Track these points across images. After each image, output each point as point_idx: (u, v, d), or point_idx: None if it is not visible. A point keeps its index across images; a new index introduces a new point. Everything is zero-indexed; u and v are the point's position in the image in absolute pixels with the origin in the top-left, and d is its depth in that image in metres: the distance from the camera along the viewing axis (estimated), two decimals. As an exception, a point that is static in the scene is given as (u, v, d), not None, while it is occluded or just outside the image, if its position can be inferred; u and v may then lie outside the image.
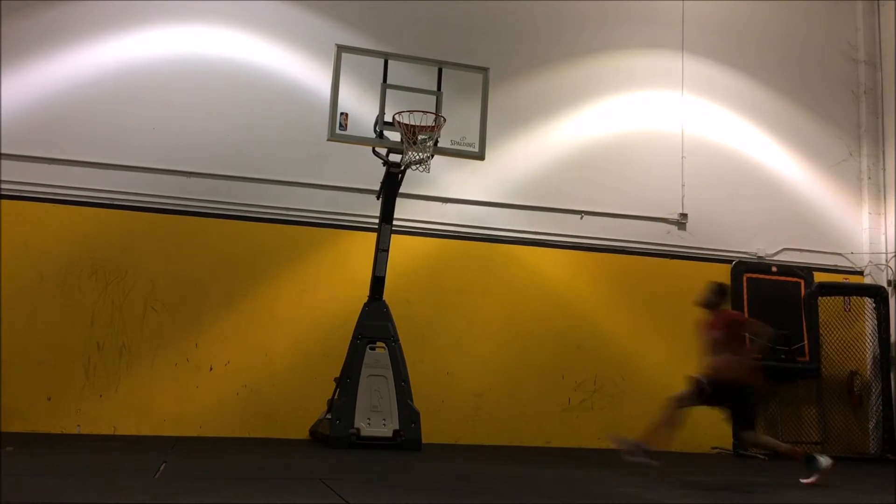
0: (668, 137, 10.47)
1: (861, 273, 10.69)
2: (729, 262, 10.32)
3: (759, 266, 10.38)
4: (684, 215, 10.32)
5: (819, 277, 10.37)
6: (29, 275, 8.24)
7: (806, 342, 10.09)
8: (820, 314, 10.13)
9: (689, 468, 7.51)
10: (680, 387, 9.78)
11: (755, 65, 10.88)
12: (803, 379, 10.07)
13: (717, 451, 9.71)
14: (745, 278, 10.26)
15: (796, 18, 11.20)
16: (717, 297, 6.70)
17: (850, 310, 10.33)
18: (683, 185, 10.37)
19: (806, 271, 10.44)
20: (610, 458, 8.19)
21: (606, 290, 9.87)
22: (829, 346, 10.15)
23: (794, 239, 10.64)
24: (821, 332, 10.11)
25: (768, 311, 10.13)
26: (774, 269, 10.41)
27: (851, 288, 10.37)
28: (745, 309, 10.13)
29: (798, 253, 10.61)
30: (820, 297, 10.12)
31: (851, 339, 10.18)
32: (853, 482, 6.83)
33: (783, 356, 9.95)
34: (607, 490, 5.37)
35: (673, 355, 9.89)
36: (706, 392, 6.31)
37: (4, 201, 8.31)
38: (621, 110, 10.40)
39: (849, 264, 10.73)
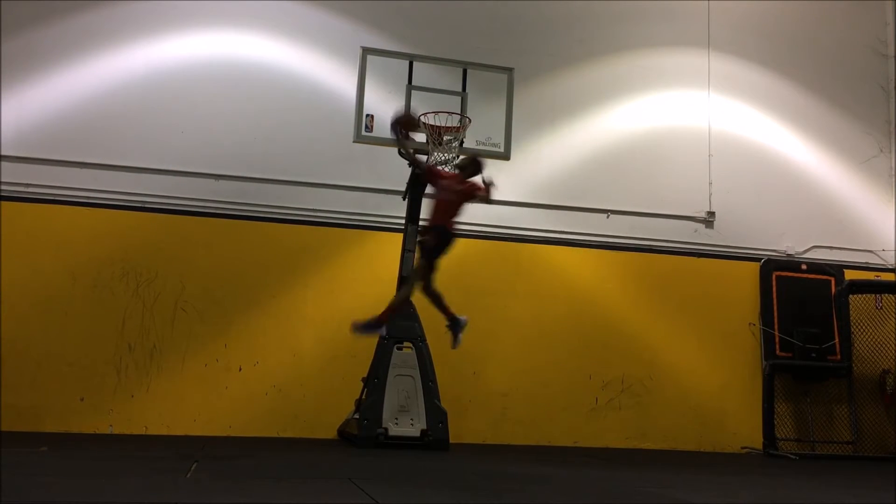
0: (695, 135, 10.40)
1: (893, 270, 10.55)
2: (758, 260, 10.24)
3: (788, 264, 10.29)
4: (712, 213, 10.25)
5: (850, 275, 10.26)
6: (62, 277, 8.38)
7: (837, 341, 9.98)
8: (851, 312, 10.01)
9: (719, 468, 7.47)
10: (707, 386, 9.77)
11: (782, 61, 10.79)
12: (834, 378, 9.96)
13: (748, 450, 9.65)
14: (774, 276, 10.17)
15: (824, 14, 11.08)
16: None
17: (881, 307, 10.20)
18: (711, 183, 10.30)
19: (836, 269, 10.34)
20: (639, 458, 8.16)
21: (634, 290, 9.83)
22: (860, 345, 10.02)
23: (823, 236, 10.53)
24: (852, 330, 9.99)
25: (798, 310, 10.07)
26: (804, 267, 10.32)
27: (883, 285, 10.23)
28: (775, 307, 10.06)
29: (828, 251, 10.50)
30: (851, 295, 10.00)
31: (883, 337, 10.04)
32: (885, 482, 6.75)
33: (814, 355, 9.86)
34: (635, 490, 5.36)
35: (701, 354, 9.86)
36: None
37: (37, 205, 8.45)
38: (647, 108, 10.36)
39: (880, 261, 10.60)
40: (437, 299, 7.37)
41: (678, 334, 9.84)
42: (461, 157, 7.84)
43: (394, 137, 7.31)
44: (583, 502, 4.68)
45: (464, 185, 7.30)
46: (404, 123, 7.41)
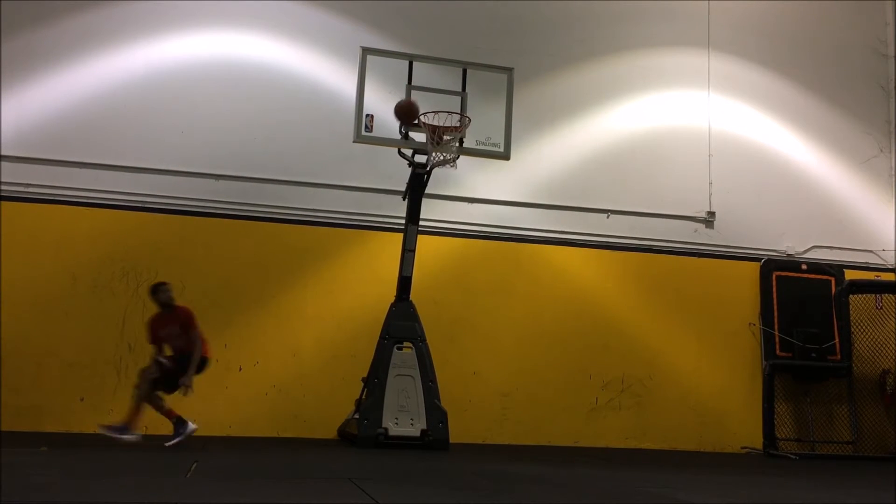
0: (695, 135, 10.40)
1: (893, 270, 10.55)
2: (758, 260, 10.24)
3: (788, 264, 10.29)
4: (712, 213, 10.25)
5: (850, 275, 10.26)
6: (62, 278, 8.38)
7: (837, 341, 9.98)
8: (851, 312, 10.00)
9: (719, 468, 7.47)
10: (707, 386, 9.78)
11: (783, 61, 10.78)
12: (834, 378, 9.96)
13: (747, 450, 9.64)
14: (774, 276, 10.17)
15: (825, 14, 11.08)
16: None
17: (881, 307, 10.19)
18: (711, 183, 10.30)
19: (836, 269, 10.34)
20: (639, 458, 8.16)
21: (634, 290, 9.83)
22: (860, 345, 10.02)
23: (823, 236, 10.53)
24: (852, 330, 9.98)
25: (798, 310, 10.07)
26: (804, 266, 10.32)
27: (883, 285, 10.23)
28: (775, 307, 10.06)
29: (828, 251, 10.50)
30: (851, 295, 9.99)
31: (884, 337, 10.04)
32: (885, 482, 6.75)
33: (814, 355, 9.86)
34: (635, 490, 5.35)
35: (701, 354, 9.86)
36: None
37: (37, 205, 8.46)
38: (647, 108, 10.36)
39: (880, 261, 10.60)
40: (156, 402, 7.21)
41: (678, 334, 9.84)
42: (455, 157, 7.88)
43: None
44: (583, 502, 4.68)
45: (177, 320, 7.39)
46: (404, 113, 7.50)
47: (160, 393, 7.22)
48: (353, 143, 7.93)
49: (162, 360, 7.16)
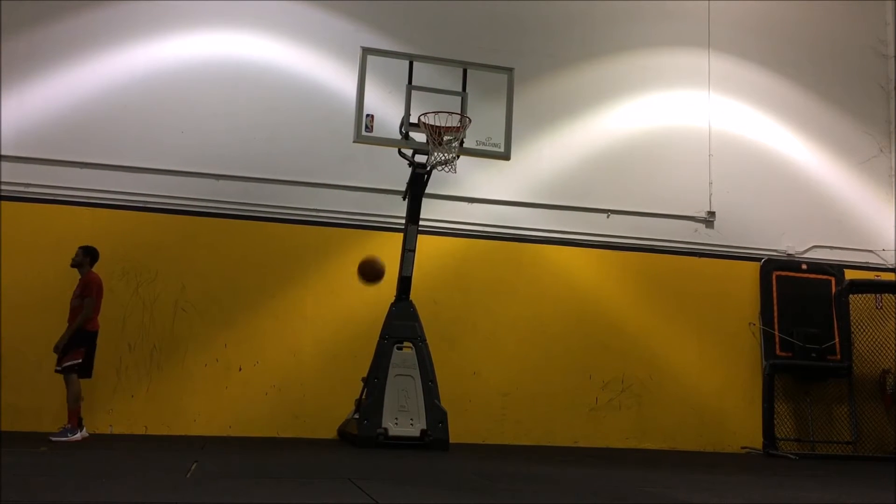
0: (696, 135, 10.40)
1: (893, 270, 10.55)
2: (758, 260, 10.25)
3: (788, 264, 10.30)
4: (712, 213, 10.25)
5: (850, 275, 10.26)
6: (62, 278, 8.35)
7: (837, 341, 9.99)
8: (851, 312, 10.01)
9: (719, 468, 7.47)
10: (707, 386, 9.77)
11: (783, 61, 10.79)
12: (834, 378, 9.96)
13: (748, 450, 9.65)
14: (774, 276, 10.17)
15: (825, 14, 11.08)
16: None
17: (881, 307, 10.19)
18: (711, 183, 10.30)
19: (836, 269, 10.34)
20: (639, 458, 8.16)
21: (634, 289, 9.83)
22: (860, 345, 10.02)
23: (823, 236, 10.53)
24: (852, 330, 9.99)
25: (798, 310, 10.07)
26: (804, 266, 10.32)
27: (883, 285, 10.23)
28: (775, 307, 10.06)
29: (828, 250, 10.50)
30: (851, 295, 9.99)
31: (884, 337, 10.04)
32: (885, 482, 6.75)
33: (814, 355, 9.86)
34: (635, 490, 5.36)
35: (702, 354, 9.86)
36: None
37: (37, 205, 8.46)
38: (648, 108, 10.36)
39: (880, 261, 10.60)
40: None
41: (678, 334, 9.84)
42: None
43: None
44: (583, 502, 4.68)
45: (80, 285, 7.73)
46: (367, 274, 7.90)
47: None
48: (353, 143, 7.93)
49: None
